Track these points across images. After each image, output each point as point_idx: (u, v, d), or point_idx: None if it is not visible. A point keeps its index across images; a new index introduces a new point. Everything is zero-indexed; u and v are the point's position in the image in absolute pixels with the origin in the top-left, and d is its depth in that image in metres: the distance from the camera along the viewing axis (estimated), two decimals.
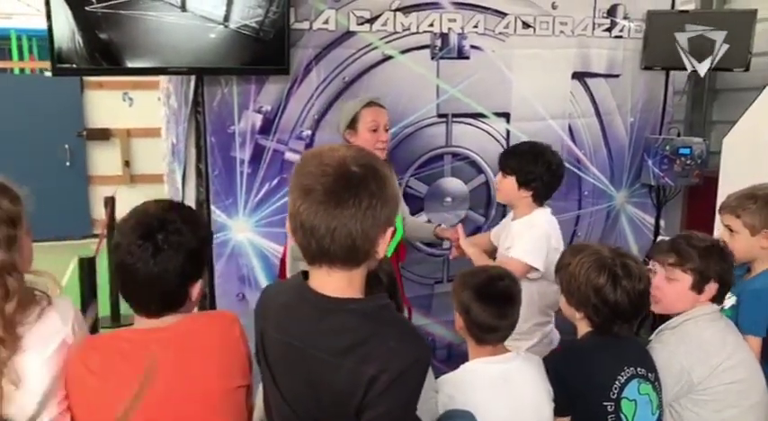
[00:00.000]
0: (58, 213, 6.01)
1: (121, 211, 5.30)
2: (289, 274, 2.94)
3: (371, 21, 3.33)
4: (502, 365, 1.85)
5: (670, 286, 2.04)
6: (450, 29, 3.48)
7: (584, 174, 3.93)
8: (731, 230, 2.33)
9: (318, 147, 1.42)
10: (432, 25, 3.45)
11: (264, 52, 3.08)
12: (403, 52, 3.42)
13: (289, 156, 3.32)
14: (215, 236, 3.15)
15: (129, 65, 2.91)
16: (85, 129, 7.71)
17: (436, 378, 1.86)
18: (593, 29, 3.78)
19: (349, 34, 3.31)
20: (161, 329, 1.49)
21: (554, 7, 3.66)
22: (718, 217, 3.26)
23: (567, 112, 3.81)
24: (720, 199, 3.24)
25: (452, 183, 3.64)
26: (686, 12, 4.04)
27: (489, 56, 3.57)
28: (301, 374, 1.27)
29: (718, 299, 2.09)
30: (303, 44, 3.23)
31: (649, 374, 1.88)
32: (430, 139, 3.55)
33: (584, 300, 1.88)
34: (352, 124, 2.79)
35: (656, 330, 2.10)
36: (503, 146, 3.65)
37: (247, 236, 3.30)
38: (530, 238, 2.61)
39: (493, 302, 1.84)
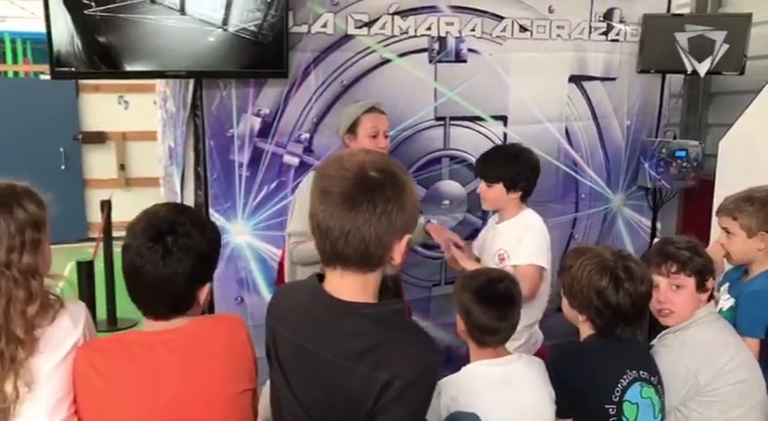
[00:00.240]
0: (54, 217, 5.99)
1: (117, 215, 5.33)
2: (287, 278, 2.94)
3: (369, 24, 3.34)
4: (503, 367, 1.86)
5: (678, 294, 2.05)
6: (447, 32, 3.49)
7: (581, 176, 3.95)
8: (728, 233, 2.35)
9: (341, 151, 1.43)
10: (429, 29, 3.46)
11: (263, 56, 3.08)
12: (401, 55, 3.43)
13: (287, 159, 3.32)
14: None
15: (128, 68, 2.92)
16: (81, 133, 7.70)
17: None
18: (590, 32, 3.80)
19: (347, 38, 3.32)
20: (168, 332, 1.49)
21: (551, 11, 3.68)
22: (714, 219, 3.29)
23: (564, 115, 3.83)
24: (717, 201, 3.27)
25: (450, 186, 3.65)
26: (682, 15, 4.07)
27: (487, 59, 3.59)
28: (314, 376, 1.27)
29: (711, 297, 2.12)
30: (301, 47, 3.24)
31: (652, 378, 1.88)
32: (428, 142, 3.56)
33: (587, 303, 1.88)
34: (352, 129, 2.79)
35: (659, 335, 2.10)
36: None
37: (246, 239, 3.30)
38: (532, 241, 2.62)
39: (493, 304, 1.84)
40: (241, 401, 1.52)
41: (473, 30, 3.54)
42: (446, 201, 3.66)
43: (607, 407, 1.81)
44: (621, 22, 3.87)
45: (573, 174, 3.92)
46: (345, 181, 1.24)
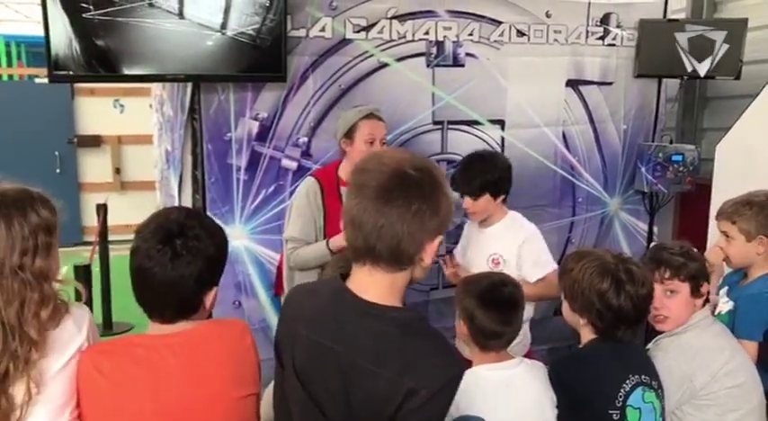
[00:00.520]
0: None
1: (113, 219, 5.31)
2: (285, 283, 2.94)
3: (367, 28, 3.35)
4: (506, 371, 1.86)
5: (672, 300, 2.05)
6: (445, 37, 3.50)
7: (578, 180, 3.96)
8: (727, 236, 2.36)
9: (381, 149, 1.43)
10: (427, 33, 3.47)
11: (261, 59, 3.08)
12: (399, 60, 3.44)
13: (285, 163, 3.32)
14: None
15: (126, 72, 2.91)
16: (76, 136, 7.69)
17: None
18: (587, 37, 3.81)
19: (345, 42, 3.33)
20: (173, 335, 1.49)
21: (548, 16, 3.69)
22: (711, 223, 3.31)
23: (561, 120, 3.84)
24: (713, 205, 3.29)
25: None
26: (678, 20, 4.09)
27: (484, 63, 3.60)
28: (334, 377, 1.26)
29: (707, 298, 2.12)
30: (300, 51, 3.24)
31: (653, 382, 1.89)
32: (426, 146, 3.56)
33: (588, 306, 1.88)
34: (349, 134, 2.78)
35: (654, 339, 2.11)
36: None
37: (243, 243, 3.30)
38: (542, 247, 2.68)
39: (497, 309, 1.84)
40: (245, 405, 1.52)
41: (471, 34, 3.55)
42: None
43: (611, 412, 1.81)
44: (618, 26, 3.88)
45: (570, 178, 3.93)
46: (382, 175, 1.24)
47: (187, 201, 3.38)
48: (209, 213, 3.20)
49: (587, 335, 1.95)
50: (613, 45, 3.90)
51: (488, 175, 2.63)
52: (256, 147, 3.26)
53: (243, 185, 3.27)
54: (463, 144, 3.62)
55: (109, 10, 2.78)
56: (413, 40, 3.45)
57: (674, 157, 3.94)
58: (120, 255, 5.19)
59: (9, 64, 9.82)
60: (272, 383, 1.85)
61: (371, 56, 3.39)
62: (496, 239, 2.70)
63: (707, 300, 2.12)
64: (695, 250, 2.15)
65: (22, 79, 9.09)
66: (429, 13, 3.46)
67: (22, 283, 1.43)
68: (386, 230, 1.22)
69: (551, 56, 3.75)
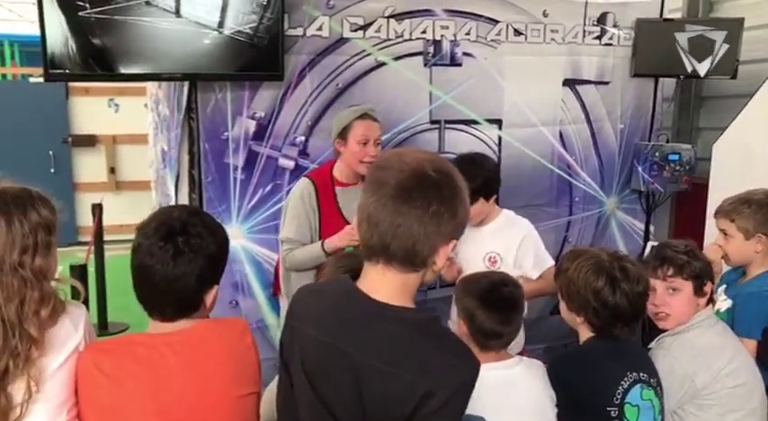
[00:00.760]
0: None
1: (107, 218, 5.29)
2: (282, 284, 2.93)
3: (365, 27, 3.34)
4: (506, 371, 1.85)
5: (674, 298, 2.05)
6: (442, 36, 3.50)
7: (575, 180, 3.96)
8: (726, 234, 2.36)
9: (402, 148, 1.42)
10: (424, 32, 3.47)
11: (258, 58, 3.08)
12: (396, 59, 3.44)
13: (282, 162, 3.32)
14: None
15: (123, 71, 2.90)
16: (70, 136, 7.65)
17: None
18: (584, 36, 3.81)
19: (342, 41, 3.32)
20: (174, 334, 1.49)
21: (545, 15, 3.69)
22: (707, 222, 3.32)
23: (558, 119, 3.85)
24: (710, 204, 3.30)
25: None
26: (674, 20, 4.10)
27: (481, 63, 3.60)
28: (347, 379, 1.24)
29: (711, 300, 2.12)
30: (297, 50, 3.24)
31: (651, 380, 1.89)
32: (423, 146, 3.55)
33: (584, 304, 1.89)
34: (343, 134, 2.76)
35: (657, 338, 2.11)
36: (495, 152, 3.67)
37: (241, 242, 3.29)
38: (540, 243, 2.69)
39: (498, 309, 1.84)
40: (245, 404, 1.52)
41: (468, 33, 3.55)
42: None
43: (609, 409, 1.81)
44: (615, 26, 3.89)
45: (567, 177, 3.93)
46: (402, 173, 1.22)
47: (184, 201, 3.37)
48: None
49: (585, 333, 1.96)
50: (610, 44, 3.90)
51: (479, 180, 2.57)
52: (253, 147, 3.25)
53: (240, 185, 3.26)
54: (460, 143, 3.62)
55: (105, 8, 2.77)
56: (410, 39, 3.45)
57: (671, 157, 3.94)
58: (114, 255, 5.21)
59: (3, 63, 9.78)
60: (273, 383, 1.85)
61: (369, 55, 3.38)
62: (493, 237, 2.69)
63: (711, 300, 2.12)
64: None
65: (15, 79, 9.06)
66: (426, 12, 3.46)
67: (22, 281, 1.43)
68: (402, 230, 1.21)
69: (548, 55, 3.75)
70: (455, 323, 2.07)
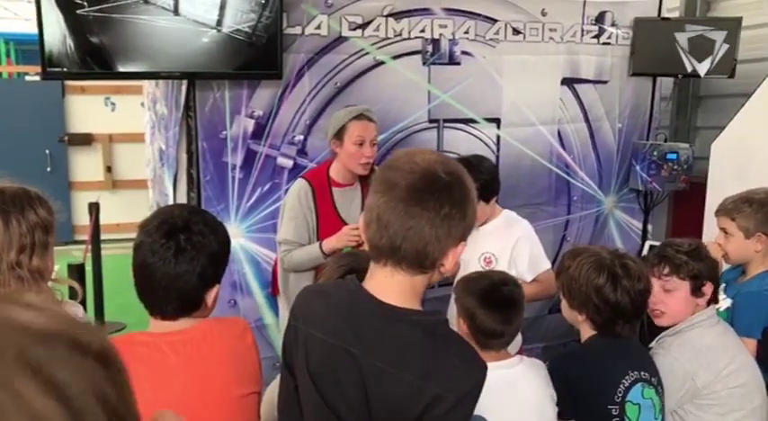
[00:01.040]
0: None
1: (104, 217, 5.27)
2: (280, 284, 2.92)
3: (363, 26, 3.34)
4: (506, 370, 1.85)
5: (670, 296, 2.05)
6: (441, 35, 3.50)
7: (573, 179, 3.96)
8: (726, 233, 2.37)
9: (412, 148, 1.41)
10: (423, 31, 3.46)
11: (257, 57, 3.07)
12: (395, 58, 3.43)
13: (281, 161, 3.31)
14: None
15: (121, 69, 2.89)
16: (67, 134, 7.62)
17: None
18: (582, 35, 3.81)
19: (341, 39, 3.31)
20: (175, 333, 1.48)
21: (543, 14, 3.69)
22: (705, 221, 3.33)
23: (557, 118, 3.85)
24: (709, 203, 3.30)
25: None
26: (671, 19, 4.10)
27: (480, 62, 3.60)
28: (353, 381, 1.23)
29: (714, 300, 2.11)
30: (295, 49, 3.23)
31: (653, 379, 1.89)
32: (421, 145, 3.54)
33: (585, 301, 1.89)
34: (339, 134, 2.75)
35: (658, 337, 2.11)
36: (493, 151, 3.67)
37: (239, 241, 3.28)
38: (536, 246, 2.67)
39: (498, 308, 1.84)
40: (246, 404, 1.52)
41: (466, 32, 3.54)
42: None
43: (609, 407, 1.82)
44: (613, 25, 3.89)
45: (565, 176, 3.93)
46: (413, 175, 1.22)
47: (182, 200, 3.36)
48: None
49: (587, 331, 1.96)
50: (608, 43, 3.90)
51: (476, 183, 2.56)
52: (252, 146, 3.25)
53: (238, 184, 3.26)
54: (459, 143, 3.62)
55: (103, 6, 2.75)
56: (409, 38, 3.44)
57: (669, 156, 3.95)
58: (111, 255, 5.19)
59: None
60: (273, 383, 1.85)
61: (367, 54, 3.38)
62: (489, 238, 2.67)
63: (714, 301, 2.11)
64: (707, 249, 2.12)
65: (11, 77, 9.02)
66: (425, 11, 3.45)
67: (19, 280, 1.43)
68: (413, 232, 1.20)
69: (547, 54, 3.75)
70: (454, 322, 2.07)
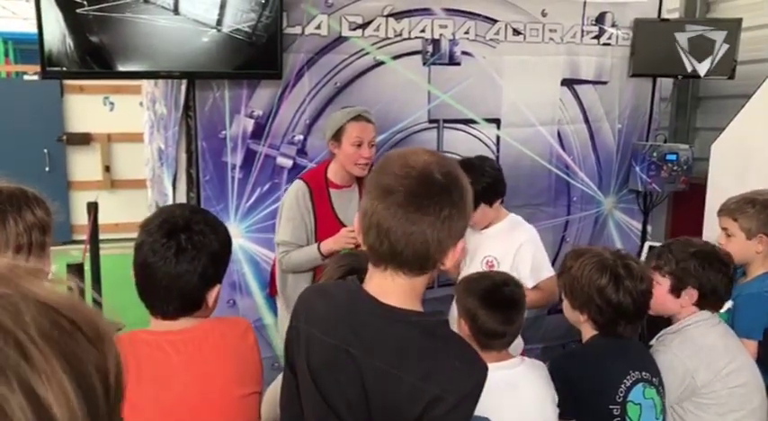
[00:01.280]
0: None
1: (102, 217, 5.26)
2: (278, 285, 2.92)
3: (363, 26, 3.33)
4: (507, 371, 1.85)
5: (655, 288, 2.05)
6: (441, 35, 3.49)
7: (573, 179, 3.96)
8: (728, 233, 2.37)
9: (403, 149, 1.39)
10: (423, 31, 3.46)
11: (257, 57, 3.06)
12: (395, 58, 3.43)
13: (280, 161, 3.30)
14: None
15: (120, 68, 2.88)
16: (65, 134, 7.60)
17: None
18: (582, 36, 3.81)
19: (341, 39, 3.31)
20: (176, 332, 1.48)
21: (544, 14, 3.69)
22: (705, 222, 3.33)
23: (557, 119, 3.84)
24: (709, 204, 3.30)
25: None
26: (670, 20, 4.10)
27: (480, 62, 3.59)
28: (353, 382, 1.23)
29: (707, 306, 2.08)
30: (295, 49, 3.22)
31: (654, 379, 1.90)
32: (421, 145, 3.51)
33: (588, 301, 1.89)
34: (337, 135, 2.74)
35: (658, 334, 2.11)
36: (493, 152, 3.67)
37: (238, 241, 3.26)
38: (540, 252, 2.62)
39: (499, 309, 1.84)
40: (247, 404, 1.51)
41: (467, 32, 3.54)
42: None
43: (611, 407, 1.82)
44: (613, 26, 3.89)
45: (565, 177, 3.93)
46: (410, 180, 1.21)
47: (181, 200, 3.35)
48: None
49: (588, 331, 1.96)
50: (608, 44, 3.90)
51: (477, 186, 2.42)
52: (251, 145, 3.24)
53: (238, 183, 3.25)
54: (458, 143, 3.62)
55: (103, 5, 2.75)
56: (409, 38, 3.44)
57: (669, 157, 3.95)
58: (109, 254, 5.18)
59: None
60: (274, 384, 1.84)
61: (367, 54, 3.37)
62: (492, 241, 2.65)
63: (701, 307, 2.09)
64: (717, 259, 2.07)
65: (9, 77, 9.00)
66: (425, 11, 3.45)
67: None
68: (415, 237, 1.20)
69: (547, 55, 3.74)
70: (455, 323, 2.07)
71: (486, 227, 2.66)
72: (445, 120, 3.59)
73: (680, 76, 4.03)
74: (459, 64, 3.56)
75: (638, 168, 4.01)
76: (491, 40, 3.60)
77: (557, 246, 3.90)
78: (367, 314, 1.27)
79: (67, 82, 7.28)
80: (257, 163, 3.26)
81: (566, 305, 2.00)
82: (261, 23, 3.02)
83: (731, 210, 2.37)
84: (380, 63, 3.40)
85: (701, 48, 3.80)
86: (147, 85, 4.96)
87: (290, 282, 2.84)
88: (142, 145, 5.64)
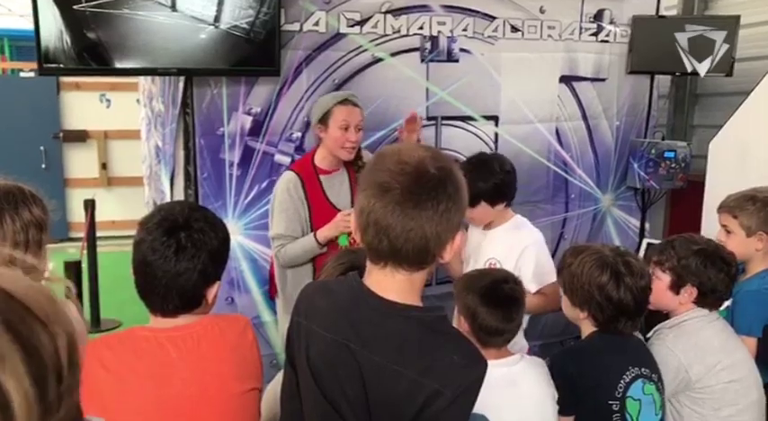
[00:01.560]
0: None
1: (99, 215, 5.25)
2: (277, 280, 2.91)
3: (362, 23, 3.32)
4: (507, 368, 1.85)
5: (654, 283, 2.06)
6: (439, 32, 3.48)
7: (571, 177, 3.96)
8: (727, 230, 2.36)
9: (396, 144, 1.40)
10: (421, 28, 3.45)
11: (255, 53, 3.05)
12: (393, 55, 3.42)
13: (278, 158, 3.29)
14: None
15: (118, 65, 2.87)
16: (62, 131, 7.57)
17: None
18: (580, 33, 3.81)
19: (339, 36, 3.30)
20: (176, 329, 1.48)
21: (542, 11, 3.68)
22: (703, 219, 3.33)
23: (555, 116, 3.84)
24: (707, 201, 3.30)
25: None
26: (668, 17, 4.10)
27: (478, 59, 3.59)
28: (353, 376, 1.23)
29: (706, 305, 2.08)
30: (293, 46, 3.21)
31: (653, 375, 1.90)
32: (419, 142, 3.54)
33: (588, 299, 1.89)
34: (324, 119, 2.75)
35: (654, 328, 2.12)
36: (492, 149, 3.66)
37: (237, 239, 3.26)
38: (544, 257, 2.56)
39: (499, 306, 1.83)
40: (247, 400, 1.51)
41: (465, 29, 3.53)
42: None
43: (610, 403, 1.83)
44: (611, 23, 3.89)
45: (563, 174, 3.93)
46: (406, 176, 1.21)
47: (179, 197, 3.34)
48: None
49: (588, 328, 1.97)
50: (606, 41, 3.90)
51: (482, 183, 2.46)
52: (249, 143, 3.23)
53: (236, 181, 3.24)
54: (457, 140, 3.61)
55: (100, 2, 2.73)
56: (407, 35, 3.43)
57: (667, 154, 3.95)
58: (106, 252, 5.17)
59: None
60: (274, 381, 1.84)
61: (365, 50, 3.36)
62: (496, 243, 2.61)
63: (715, 306, 2.10)
64: (720, 258, 2.07)
65: (5, 73, 8.98)
66: (423, 8, 3.44)
67: None
68: (414, 233, 1.20)
69: (545, 52, 3.74)
70: (455, 320, 2.07)
71: (488, 225, 2.63)
72: (443, 117, 3.58)
73: (677, 74, 4.02)
74: (457, 61, 3.55)
75: (636, 165, 4.01)
76: (489, 36, 3.59)
77: (555, 243, 3.90)
78: (367, 309, 1.27)
79: (64, 79, 7.26)
80: (255, 160, 3.25)
81: (565, 302, 2.00)
82: (259, 20, 3.01)
83: (731, 207, 2.36)
84: (379, 60, 3.39)
85: (701, 48, 3.80)
86: (143, 81, 4.95)
87: (290, 279, 2.83)
88: (139, 142, 5.63)
